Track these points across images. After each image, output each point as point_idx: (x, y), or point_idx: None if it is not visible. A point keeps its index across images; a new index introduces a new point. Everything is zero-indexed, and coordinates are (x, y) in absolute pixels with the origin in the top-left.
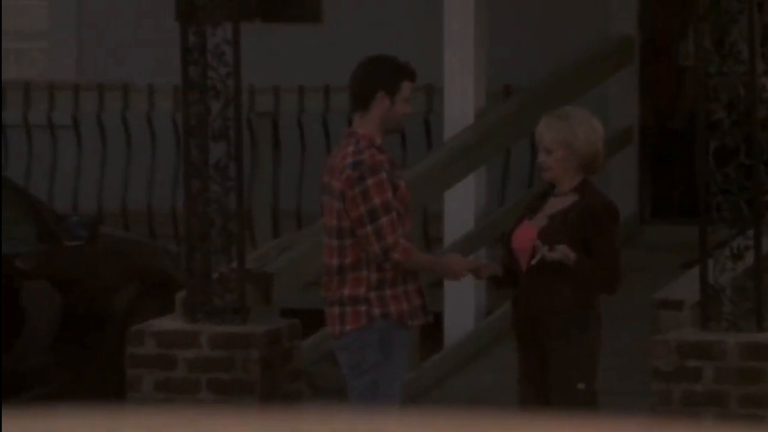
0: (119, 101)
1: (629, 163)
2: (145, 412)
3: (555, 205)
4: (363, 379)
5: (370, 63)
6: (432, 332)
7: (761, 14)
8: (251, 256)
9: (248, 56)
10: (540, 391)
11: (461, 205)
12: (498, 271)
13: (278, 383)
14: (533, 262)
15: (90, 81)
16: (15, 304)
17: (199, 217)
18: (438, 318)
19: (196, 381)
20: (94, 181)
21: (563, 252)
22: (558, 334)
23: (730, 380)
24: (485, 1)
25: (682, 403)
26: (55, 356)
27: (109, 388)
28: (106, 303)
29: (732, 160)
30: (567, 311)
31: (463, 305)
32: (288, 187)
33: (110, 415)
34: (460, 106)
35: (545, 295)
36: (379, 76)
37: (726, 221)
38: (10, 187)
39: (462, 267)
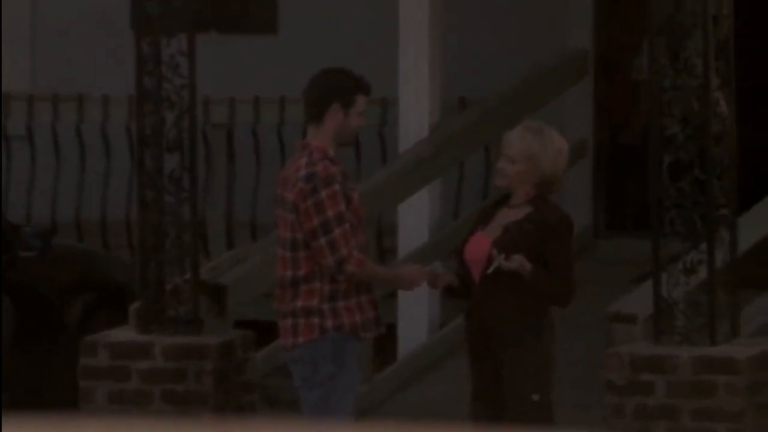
0: (74, 111)
1: (583, 177)
2: (99, 423)
3: (508, 215)
4: (316, 391)
5: (325, 75)
6: (385, 344)
7: (716, 29)
8: (205, 268)
9: (203, 67)
10: (493, 403)
11: (415, 218)
12: (454, 280)
13: (232, 395)
14: (489, 270)
15: (44, 91)
16: None
17: (153, 227)
18: (391, 329)
19: (149, 392)
20: (47, 191)
21: (519, 262)
22: (511, 343)
23: (683, 394)
24: (440, 14)
25: (634, 416)
26: (8, 367)
27: (62, 399)
28: (59, 314)
29: (686, 175)
30: (520, 320)
31: (416, 317)
32: (242, 198)
33: (65, 427)
34: (415, 118)
35: (498, 305)
36: (334, 88)
37: (679, 235)
38: None
39: (416, 277)
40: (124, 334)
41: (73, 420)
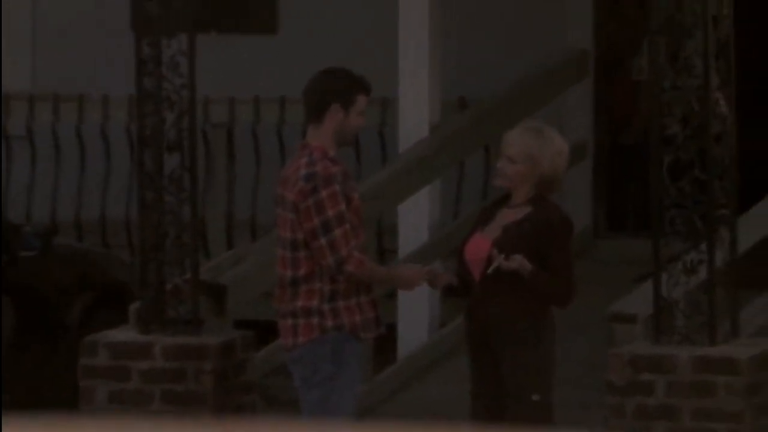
0: (74, 112)
1: (583, 177)
2: (99, 423)
3: (508, 216)
4: (316, 391)
5: (325, 75)
6: (385, 344)
7: (715, 29)
8: (205, 267)
9: (203, 67)
10: (493, 402)
11: (415, 218)
12: (453, 280)
13: (231, 395)
14: (489, 271)
15: (45, 91)
16: None
17: (153, 227)
18: (392, 330)
19: (149, 392)
20: (47, 191)
21: (519, 262)
22: (512, 343)
23: (683, 394)
24: (440, 14)
25: (634, 416)
26: (9, 367)
27: (62, 399)
28: (59, 313)
29: (686, 175)
30: (520, 320)
31: (416, 317)
32: (242, 198)
33: (65, 427)
34: (415, 118)
35: (499, 305)
36: (334, 88)
37: (680, 235)
38: None
39: (416, 276)
40: (124, 334)
41: (71, 420)
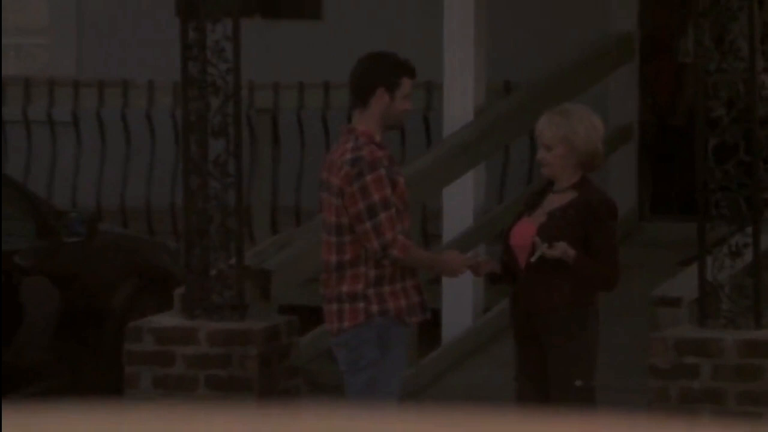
0: (119, 97)
1: (628, 160)
2: (144, 408)
3: (554, 201)
4: (361, 376)
5: (370, 59)
6: (430, 329)
7: (761, 11)
8: (250, 253)
9: (248, 52)
10: (537, 388)
11: (460, 202)
12: (496, 267)
13: (276, 380)
14: (533, 259)
15: (90, 77)
16: (14, 301)
17: (198, 213)
18: (436, 315)
19: (194, 378)
20: (93, 177)
21: (563, 249)
22: (556, 331)
23: (728, 377)
24: None
25: (679, 400)
26: (54, 352)
27: (107, 384)
28: (104, 299)
29: (731, 157)
30: (565, 308)
31: (461, 302)
32: (287, 183)
33: (109, 412)
34: (460, 102)
35: (544, 291)
36: (379, 72)
37: (725, 218)
38: (9, 183)
39: (460, 264)
40: (169, 319)
41: (70, 412)
